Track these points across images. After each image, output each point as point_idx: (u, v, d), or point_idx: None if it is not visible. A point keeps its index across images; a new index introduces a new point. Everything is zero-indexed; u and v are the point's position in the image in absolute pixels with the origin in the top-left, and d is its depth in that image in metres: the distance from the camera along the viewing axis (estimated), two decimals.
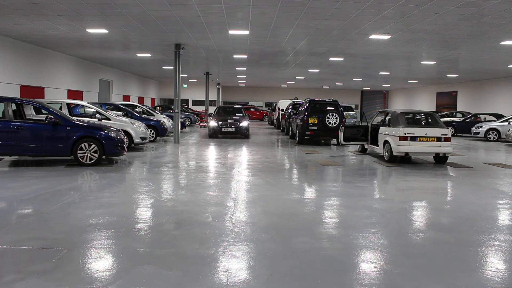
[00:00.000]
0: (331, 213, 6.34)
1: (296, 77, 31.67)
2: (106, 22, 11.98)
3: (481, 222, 5.82)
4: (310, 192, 7.84)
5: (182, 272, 3.88)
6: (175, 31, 13.24)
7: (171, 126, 17.85)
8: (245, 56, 19.56)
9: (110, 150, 10.01)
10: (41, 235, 4.87)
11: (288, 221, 5.69)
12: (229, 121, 19.19)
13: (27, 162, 10.47)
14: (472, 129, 21.59)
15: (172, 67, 19.01)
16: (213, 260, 4.20)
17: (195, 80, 37.90)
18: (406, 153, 11.21)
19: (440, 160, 11.70)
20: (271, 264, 4.13)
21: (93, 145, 9.81)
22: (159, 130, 16.61)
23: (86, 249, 4.43)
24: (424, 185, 8.80)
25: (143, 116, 17.06)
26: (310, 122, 16.36)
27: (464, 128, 23.18)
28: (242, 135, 19.32)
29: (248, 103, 45.23)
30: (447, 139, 11.24)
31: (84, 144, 9.77)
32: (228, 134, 19.42)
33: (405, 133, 11.10)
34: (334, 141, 17.66)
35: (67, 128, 9.70)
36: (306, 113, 16.47)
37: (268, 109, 41.31)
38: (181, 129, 19.37)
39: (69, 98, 19.40)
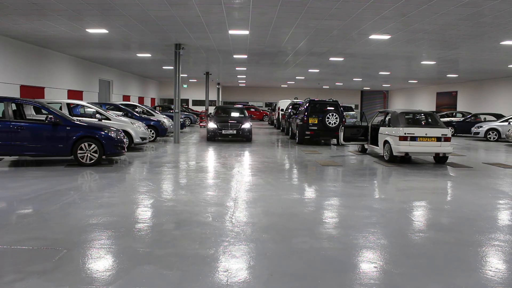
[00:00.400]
0: (331, 213, 6.34)
1: (296, 77, 31.67)
2: (106, 22, 11.99)
3: (481, 222, 5.82)
4: (310, 192, 7.83)
5: (182, 272, 3.88)
6: (175, 31, 13.24)
7: (171, 126, 17.86)
8: (245, 56, 19.56)
9: (110, 150, 10.01)
10: (41, 235, 4.87)
11: (288, 221, 5.69)
12: (230, 122, 17.18)
13: (27, 162, 10.47)
14: (472, 129, 21.59)
15: (172, 67, 19.00)
16: (213, 260, 4.20)
17: (195, 80, 37.90)
18: (406, 153, 11.21)
19: (440, 160, 11.70)
20: (271, 264, 4.13)
21: (93, 145, 9.81)
22: (159, 130, 16.62)
23: (86, 249, 4.43)
24: (424, 185, 8.80)
25: (143, 116, 17.06)
26: (310, 122, 16.36)
27: (464, 128, 23.18)
28: (244, 138, 17.36)
29: (248, 103, 45.23)
30: (447, 139, 11.24)
31: (84, 144, 9.77)
32: (229, 137, 17.45)
33: (405, 133, 11.10)
34: (334, 141, 17.65)
35: (67, 128, 9.70)
36: (306, 113, 16.47)
37: (268, 109, 41.31)
38: (181, 129, 19.37)
39: (69, 98, 19.40)
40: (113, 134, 10.12)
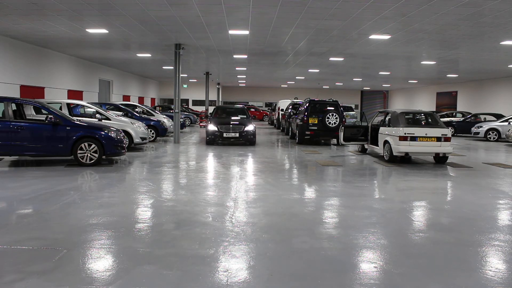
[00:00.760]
0: (331, 213, 6.34)
1: (296, 77, 31.67)
2: (106, 22, 11.99)
3: (481, 222, 5.82)
4: (310, 192, 7.83)
5: (182, 272, 3.88)
6: (175, 31, 13.25)
7: (171, 126, 17.86)
8: (245, 56, 19.56)
9: (110, 150, 10.01)
10: (41, 235, 4.87)
11: (288, 221, 5.69)
12: (232, 124, 15.71)
13: (27, 162, 10.47)
14: (472, 129, 21.59)
15: (172, 67, 19.01)
16: (213, 260, 4.20)
17: (195, 80, 37.91)
18: (406, 153, 11.21)
19: (440, 160, 11.70)
20: (271, 264, 4.13)
21: (93, 145, 9.81)
22: (159, 130, 16.62)
23: (86, 249, 4.43)
24: (424, 185, 8.80)
25: (143, 116, 17.06)
26: (310, 122, 16.36)
27: (464, 128, 23.18)
28: (247, 141, 15.95)
29: (248, 103, 45.23)
30: (447, 139, 11.24)
31: (84, 144, 9.77)
32: (230, 140, 16.05)
33: (405, 133, 11.10)
34: (334, 141, 17.65)
35: (67, 128, 9.70)
36: (306, 113, 16.47)
37: (268, 109, 41.31)
38: (181, 129, 19.36)
39: (69, 98, 19.40)
40: (113, 134, 10.12)
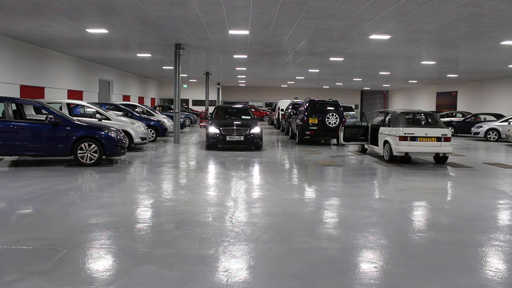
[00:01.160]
0: (331, 213, 6.34)
1: (296, 77, 31.67)
2: (106, 22, 11.98)
3: (481, 222, 5.82)
4: (310, 192, 7.83)
5: (182, 272, 3.88)
6: (175, 31, 13.25)
7: (171, 126, 17.85)
8: (245, 56, 19.56)
9: (110, 150, 10.01)
10: (41, 235, 4.87)
11: (288, 221, 5.69)
12: (236, 127, 14.01)
13: (27, 162, 10.47)
14: (472, 129, 21.59)
15: (172, 67, 19.00)
16: (213, 260, 4.20)
17: (195, 80, 37.90)
18: (406, 153, 11.21)
19: (440, 160, 11.70)
20: (271, 264, 4.13)
21: (93, 145, 9.81)
22: (159, 130, 16.62)
23: (86, 249, 4.43)
24: (424, 185, 8.80)
25: (143, 116, 17.06)
26: (310, 122, 16.36)
27: (464, 128, 23.18)
28: (253, 145, 14.18)
29: (248, 103, 45.24)
30: (447, 139, 11.24)
31: (84, 144, 9.77)
32: (234, 145, 14.27)
33: (405, 133, 11.10)
34: (334, 141, 17.65)
35: (67, 128, 9.70)
36: (306, 113, 16.47)
37: (268, 109, 41.31)
38: (181, 129, 19.35)
39: (69, 98, 19.40)
40: (113, 134, 10.12)
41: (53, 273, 3.79)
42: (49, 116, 9.70)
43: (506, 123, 20.34)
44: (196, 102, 45.63)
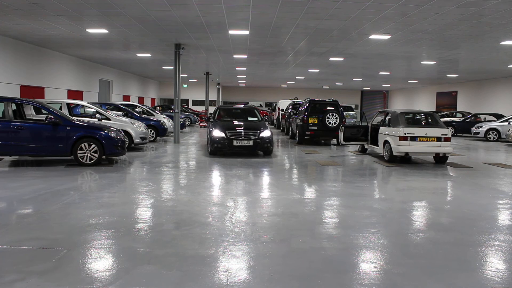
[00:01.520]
0: (331, 213, 6.34)
1: (296, 77, 31.68)
2: (106, 22, 11.98)
3: (481, 222, 5.82)
4: (310, 192, 7.83)
5: (182, 272, 3.88)
6: (175, 31, 13.25)
7: (171, 126, 17.85)
8: (245, 56, 19.56)
9: (110, 150, 10.01)
10: (41, 235, 4.87)
11: (288, 221, 5.69)
12: (244, 130, 12.30)
13: (27, 162, 10.47)
14: (472, 129, 21.59)
15: (172, 67, 18.99)
16: (213, 260, 4.20)
17: (195, 80, 37.91)
18: (406, 153, 11.21)
19: (440, 160, 11.70)
20: (271, 264, 4.12)
21: (93, 145, 9.81)
22: (159, 130, 16.62)
23: (86, 249, 4.43)
24: (424, 185, 8.80)
25: (143, 116, 17.06)
26: (310, 122, 16.36)
27: (464, 128, 23.19)
28: (263, 150, 12.52)
29: (248, 102, 45.22)
30: (447, 139, 11.24)
31: (84, 144, 9.77)
32: (241, 150, 12.44)
33: (405, 133, 11.10)
34: (334, 141, 17.66)
35: (67, 128, 9.71)
36: (306, 113, 16.47)
37: (268, 109, 41.30)
38: (181, 129, 19.35)
39: (69, 98, 19.40)
40: (113, 134, 10.12)
41: (53, 273, 3.79)
42: (49, 116, 9.70)
43: (506, 123, 20.34)
44: (196, 102, 45.62)
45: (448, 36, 13.05)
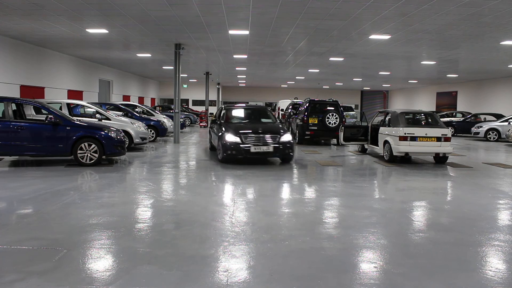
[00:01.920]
0: (331, 213, 6.34)
1: (296, 77, 31.67)
2: (106, 22, 11.98)
3: (481, 222, 5.82)
4: (310, 192, 7.83)
5: (182, 272, 3.88)
6: (175, 31, 13.24)
7: (171, 126, 17.85)
8: (245, 56, 19.56)
9: (110, 150, 10.01)
10: (41, 235, 4.87)
11: (288, 221, 5.69)
12: (262, 133, 10.66)
13: (27, 162, 10.47)
14: (472, 129, 21.59)
15: (172, 67, 18.99)
16: (213, 260, 4.20)
17: (195, 80, 37.90)
18: (406, 153, 11.21)
19: (440, 160, 11.70)
20: (271, 264, 4.12)
21: (93, 145, 9.81)
22: (159, 130, 16.62)
23: (86, 249, 4.43)
24: (424, 185, 8.80)
25: (143, 116, 17.06)
26: (310, 122, 16.37)
27: (464, 128, 23.19)
28: (283, 156, 11.02)
29: (247, 102, 45.22)
30: (447, 139, 11.24)
31: (84, 144, 9.77)
32: (260, 156, 10.86)
33: (405, 133, 11.10)
34: (334, 141, 17.65)
35: (67, 128, 9.71)
36: (306, 113, 16.48)
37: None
38: (181, 129, 19.35)
39: (69, 98, 19.40)
40: (113, 134, 10.12)
41: (53, 273, 3.79)
42: (49, 116, 9.70)
43: (506, 123, 20.34)
44: (196, 102, 45.61)
45: (448, 36, 13.05)
